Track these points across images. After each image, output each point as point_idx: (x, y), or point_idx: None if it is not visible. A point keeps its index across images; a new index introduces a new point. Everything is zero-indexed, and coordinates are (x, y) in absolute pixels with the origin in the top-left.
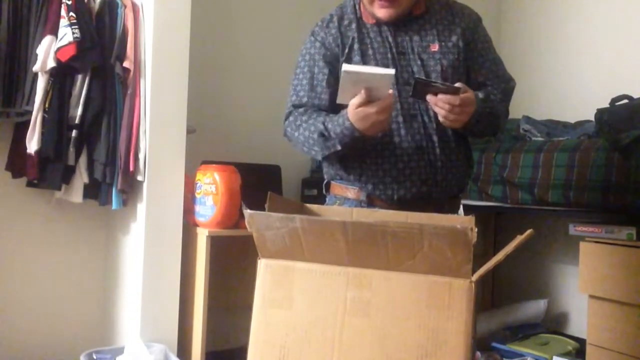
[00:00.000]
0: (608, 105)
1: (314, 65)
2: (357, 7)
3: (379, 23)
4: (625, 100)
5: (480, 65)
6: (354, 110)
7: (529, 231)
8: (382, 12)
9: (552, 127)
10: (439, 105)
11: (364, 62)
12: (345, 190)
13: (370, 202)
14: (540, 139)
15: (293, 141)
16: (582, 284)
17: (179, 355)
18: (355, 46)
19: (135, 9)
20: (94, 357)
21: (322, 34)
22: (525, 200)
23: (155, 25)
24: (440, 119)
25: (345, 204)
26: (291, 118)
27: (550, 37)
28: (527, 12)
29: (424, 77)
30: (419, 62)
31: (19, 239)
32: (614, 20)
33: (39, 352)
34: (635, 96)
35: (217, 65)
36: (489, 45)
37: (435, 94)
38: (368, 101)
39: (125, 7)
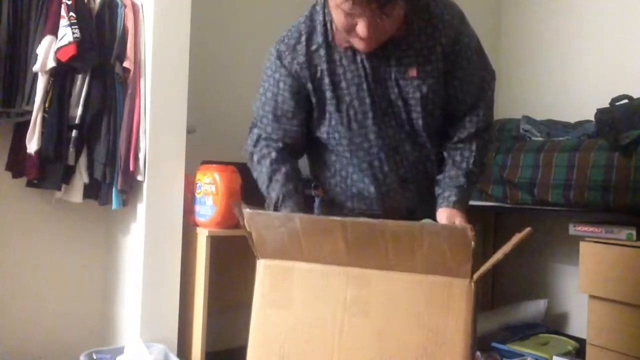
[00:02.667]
0: (608, 105)
1: (277, 94)
2: (328, 26)
3: (352, 47)
4: (625, 100)
5: (456, 80)
6: None
7: (527, 229)
8: (361, 46)
9: (552, 127)
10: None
11: (337, 96)
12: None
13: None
14: (540, 139)
15: (253, 170)
16: (582, 284)
17: (179, 355)
18: (326, 80)
19: (135, 9)
20: (94, 357)
21: (288, 59)
22: (525, 200)
23: (155, 25)
24: None
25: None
26: (257, 147)
27: (550, 37)
28: (527, 12)
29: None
30: (396, 90)
31: (19, 239)
32: (614, 20)
33: (39, 352)
34: (635, 96)
35: (217, 65)
36: (471, 60)
37: None
38: None
39: (125, 7)
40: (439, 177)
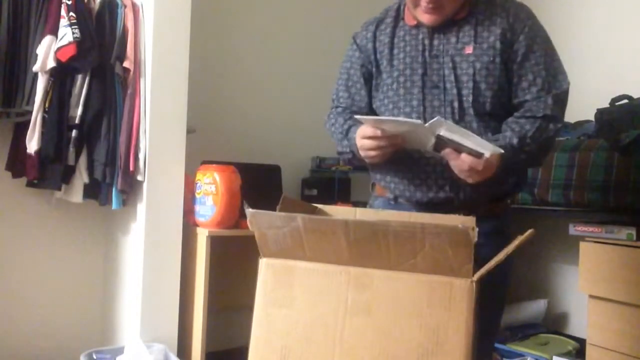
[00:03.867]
0: (608, 105)
1: (350, 67)
2: (401, 8)
3: (418, 25)
4: (625, 100)
5: (522, 69)
6: (360, 139)
7: (529, 231)
8: (425, 18)
9: None
10: (458, 163)
11: (392, 64)
12: (383, 190)
13: (397, 202)
14: None
15: (330, 135)
16: (582, 284)
17: (179, 355)
18: (386, 51)
19: (135, 9)
20: (94, 357)
21: (360, 37)
22: (525, 200)
23: (155, 25)
24: (456, 171)
25: (375, 202)
26: (330, 115)
27: (550, 37)
28: None
29: (448, 137)
30: (450, 65)
31: (19, 239)
32: (614, 20)
33: (39, 352)
34: (635, 96)
35: (217, 65)
36: (536, 46)
37: (459, 151)
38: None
39: (125, 7)
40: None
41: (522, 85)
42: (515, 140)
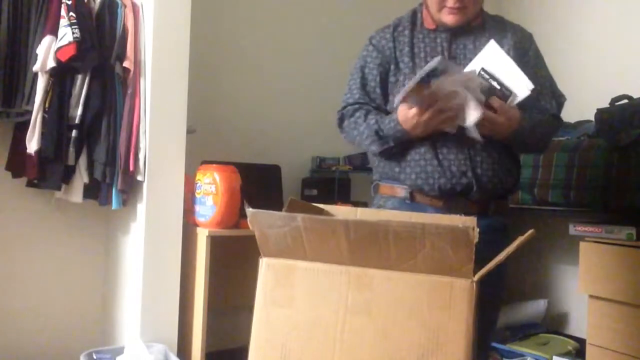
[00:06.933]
0: (608, 105)
1: (365, 66)
2: (418, 14)
3: (435, 30)
4: (625, 100)
5: (532, 78)
6: (409, 118)
7: (530, 231)
8: (449, 19)
9: None
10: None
11: (413, 63)
12: (392, 189)
13: (414, 199)
14: None
15: (349, 136)
16: (582, 284)
17: (179, 355)
18: (406, 49)
19: (135, 9)
20: (94, 357)
21: (377, 38)
22: (525, 200)
23: (155, 25)
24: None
25: (388, 203)
26: (347, 114)
27: (550, 37)
28: (527, 12)
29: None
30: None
31: (19, 239)
32: (614, 20)
33: (39, 352)
34: (635, 96)
35: (217, 65)
36: (541, 62)
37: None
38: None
39: (125, 7)
40: None
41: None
42: (537, 117)
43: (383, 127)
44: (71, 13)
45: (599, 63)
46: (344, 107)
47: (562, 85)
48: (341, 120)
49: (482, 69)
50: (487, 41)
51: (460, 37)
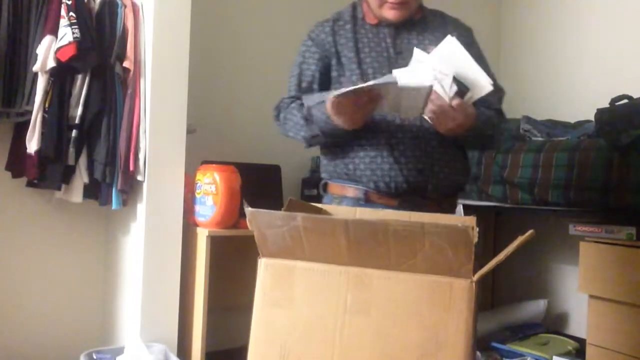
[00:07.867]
0: (608, 105)
1: (302, 62)
2: (358, 9)
3: (378, 25)
4: (625, 100)
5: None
6: (335, 101)
7: (530, 232)
8: (391, 14)
9: (552, 127)
10: (442, 102)
11: (358, 58)
12: (342, 189)
13: (368, 199)
14: (540, 139)
15: (284, 128)
16: (582, 283)
17: (179, 355)
18: (350, 44)
19: (135, 9)
20: (94, 357)
21: (315, 32)
22: (525, 200)
23: (155, 25)
24: (429, 114)
25: (342, 203)
26: (283, 106)
27: (550, 37)
28: (527, 12)
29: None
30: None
31: (19, 239)
32: (613, 20)
33: (39, 352)
34: (635, 96)
35: (217, 65)
36: (483, 56)
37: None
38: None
39: (125, 7)
40: None
41: None
42: (486, 112)
43: (313, 113)
44: (71, 13)
45: (599, 63)
46: (281, 101)
47: (562, 85)
48: (277, 112)
49: (440, 71)
50: (431, 36)
51: (403, 32)
